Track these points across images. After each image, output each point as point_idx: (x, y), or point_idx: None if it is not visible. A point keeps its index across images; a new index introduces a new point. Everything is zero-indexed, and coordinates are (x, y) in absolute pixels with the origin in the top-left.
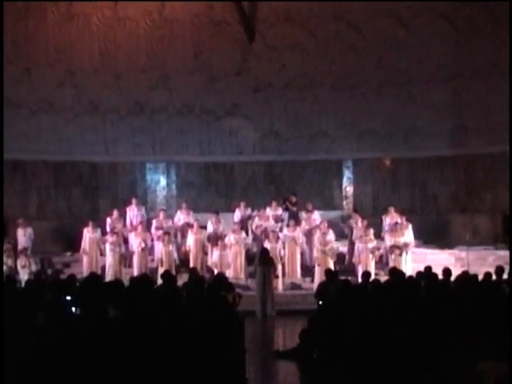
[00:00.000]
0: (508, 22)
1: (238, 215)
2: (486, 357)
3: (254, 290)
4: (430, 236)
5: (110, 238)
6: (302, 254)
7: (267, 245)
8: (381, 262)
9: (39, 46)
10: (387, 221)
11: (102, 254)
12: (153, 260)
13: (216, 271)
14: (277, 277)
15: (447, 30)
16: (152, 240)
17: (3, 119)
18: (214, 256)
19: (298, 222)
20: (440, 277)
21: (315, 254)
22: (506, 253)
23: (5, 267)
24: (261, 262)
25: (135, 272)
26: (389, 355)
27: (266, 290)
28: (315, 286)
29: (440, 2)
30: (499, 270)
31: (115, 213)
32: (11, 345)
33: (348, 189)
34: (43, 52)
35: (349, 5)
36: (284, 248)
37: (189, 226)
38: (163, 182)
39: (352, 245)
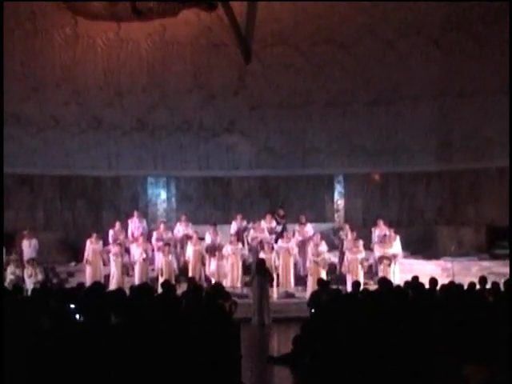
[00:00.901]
0: (491, 45)
1: (234, 227)
2: (470, 361)
3: (251, 298)
4: (417, 247)
5: (112, 249)
6: (296, 264)
7: (262, 255)
8: (370, 272)
9: (46, 65)
10: (376, 233)
11: (105, 263)
12: (153, 270)
13: (214, 280)
14: (271, 286)
15: (433, 52)
16: (153, 251)
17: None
18: (211, 266)
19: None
20: (427, 286)
21: (308, 264)
22: (488, 263)
23: (12, 276)
24: (258, 271)
25: (137, 281)
26: (378, 361)
27: (262, 299)
28: (308, 294)
29: (427, 25)
30: (482, 280)
31: (117, 224)
32: (18, 350)
33: (339, 202)
34: (50, 71)
35: (339, 27)
36: (278, 258)
37: (188, 237)
38: (163, 195)
39: (343, 255)
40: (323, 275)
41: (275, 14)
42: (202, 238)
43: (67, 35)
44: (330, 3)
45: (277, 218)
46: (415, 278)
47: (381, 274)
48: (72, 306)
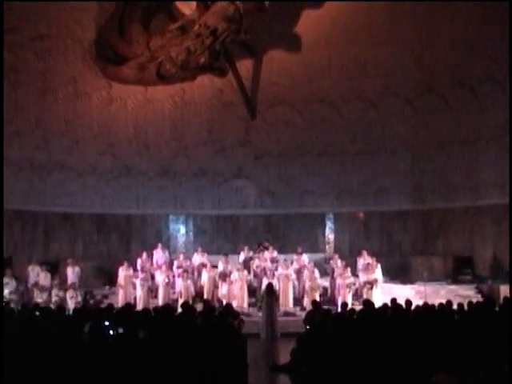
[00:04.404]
0: (456, 104)
1: (242, 257)
2: (440, 370)
3: (256, 316)
4: (395, 274)
5: (140, 275)
6: (293, 288)
7: (265, 281)
8: (356, 295)
9: (85, 122)
10: (361, 261)
11: (134, 287)
12: (174, 292)
13: (225, 302)
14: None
15: (408, 111)
16: (174, 276)
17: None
18: (223, 289)
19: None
20: (403, 306)
21: (305, 288)
22: (454, 287)
23: (56, 298)
24: (267, 293)
25: (160, 302)
26: (361, 370)
27: (270, 316)
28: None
29: (403, 88)
30: (449, 302)
31: (144, 255)
32: (62, 360)
33: (330, 236)
34: (88, 127)
35: (330, 90)
36: (278, 283)
37: (203, 265)
38: (183, 230)
39: (333, 281)
40: (317, 297)
41: (276, 79)
42: (215, 266)
43: (103, 97)
44: (322, 69)
45: (263, 249)
46: (393, 300)
47: (365, 297)
48: (106, 323)
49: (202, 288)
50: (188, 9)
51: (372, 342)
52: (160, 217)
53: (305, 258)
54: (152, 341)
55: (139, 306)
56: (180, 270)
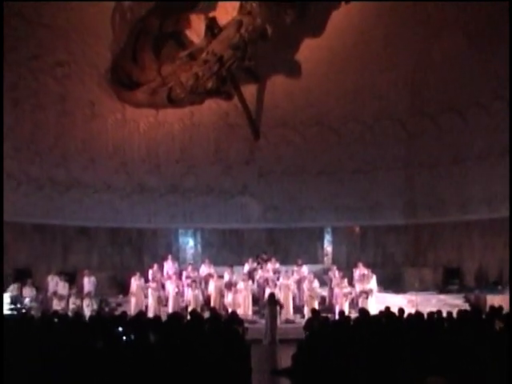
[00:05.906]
0: (445, 127)
1: (246, 268)
2: (432, 373)
3: (264, 323)
4: (389, 284)
5: (151, 285)
6: (294, 297)
7: (267, 290)
8: (352, 304)
9: (101, 142)
10: (357, 272)
11: (146, 296)
12: (183, 301)
13: (230, 310)
14: (281, 313)
15: (401, 133)
16: (183, 286)
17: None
18: (228, 298)
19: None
20: (396, 314)
21: (305, 297)
22: (444, 296)
23: (74, 306)
24: (269, 302)
25: (170, 310)
26: (357, 374)
27: (272, 324)
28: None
29: (396, 112)
30: (439, 311)
31: (155, 266)
32: (78, 365)
33: (328, 248)
34: (104, 147)
35: (328, 113)
36: (280, 292)
37: (210, 276)
38: (191, 243)
39: (331, 290)
40: (316, 306)
41: (278, 103)
42: (221, 276)
43: (117, 119)
44: (321, 94)
45: (260, 260)
46: (387, 308)
47: (361, 305)
48: (120, 329)
49: (209, 297)
50: (196, 37)
51: (367, 347)
52: (170, 230)
53: (305, 269)
54: (162, 345)
55: (149, 314)
56: (189, 280)
